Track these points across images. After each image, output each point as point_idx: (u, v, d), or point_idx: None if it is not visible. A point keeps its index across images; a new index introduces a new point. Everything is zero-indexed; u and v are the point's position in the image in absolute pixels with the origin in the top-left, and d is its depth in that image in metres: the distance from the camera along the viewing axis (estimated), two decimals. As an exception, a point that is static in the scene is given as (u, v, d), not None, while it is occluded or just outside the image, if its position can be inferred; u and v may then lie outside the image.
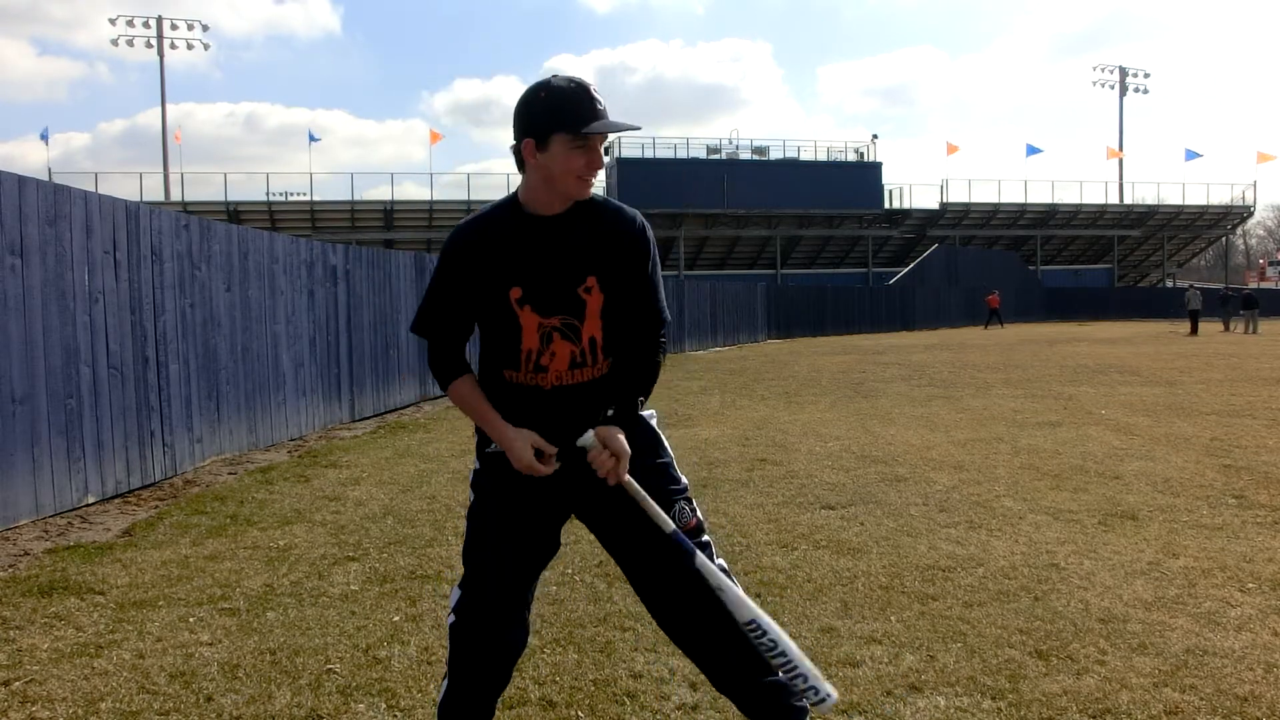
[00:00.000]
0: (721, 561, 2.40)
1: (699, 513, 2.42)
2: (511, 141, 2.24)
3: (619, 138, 45.53)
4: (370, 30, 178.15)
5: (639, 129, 2.32)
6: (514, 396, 2.31)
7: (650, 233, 2.35)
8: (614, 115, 2.22)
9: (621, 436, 2.23)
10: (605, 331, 2.30)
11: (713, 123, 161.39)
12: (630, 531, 2.34)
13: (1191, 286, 35.67)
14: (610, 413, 2.27)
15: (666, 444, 2.46)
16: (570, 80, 2.18)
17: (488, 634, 2.30)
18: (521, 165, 2.24)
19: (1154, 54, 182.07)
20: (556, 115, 2.15)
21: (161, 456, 6.84)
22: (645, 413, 2.40)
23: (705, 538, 2.40)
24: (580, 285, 2.26)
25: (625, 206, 2.33)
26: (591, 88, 2.17)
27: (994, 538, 4.91)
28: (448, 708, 2.36)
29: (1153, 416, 9.66)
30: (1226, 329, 33.48)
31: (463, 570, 2.36)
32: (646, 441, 2.37)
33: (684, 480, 2.43)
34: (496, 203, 2.32)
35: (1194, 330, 30.57)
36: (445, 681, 2.38)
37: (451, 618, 2.34)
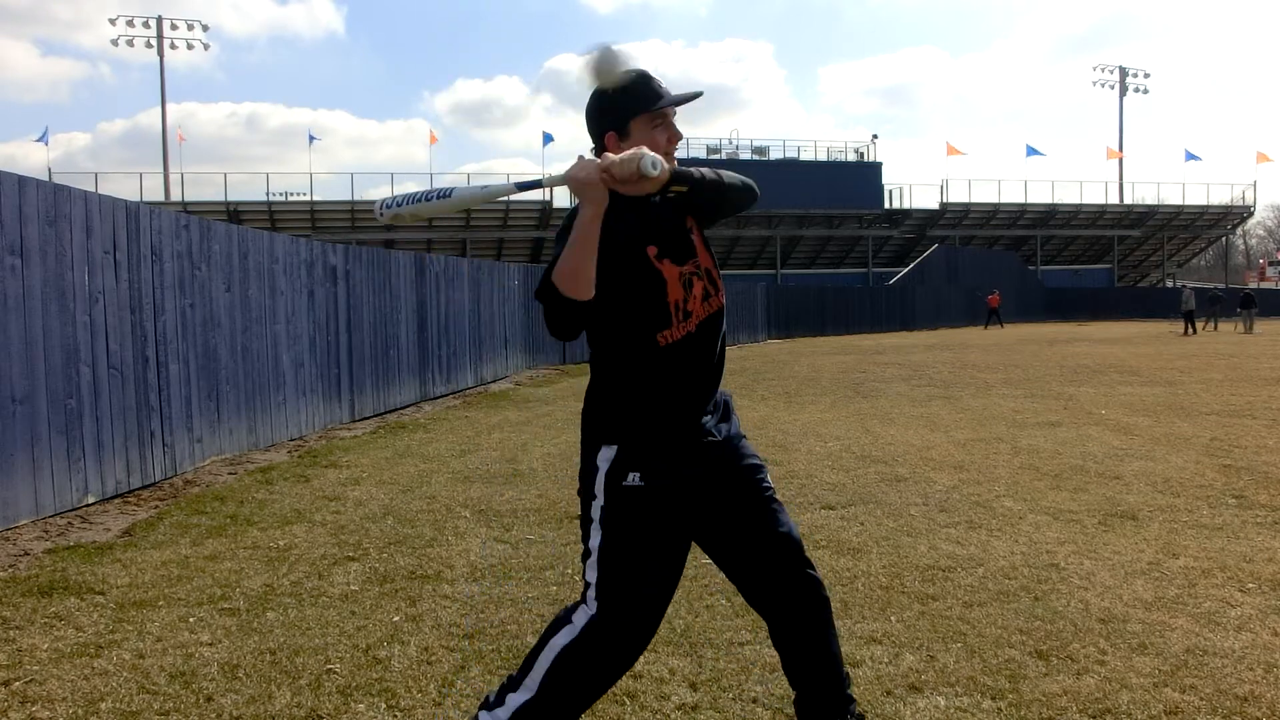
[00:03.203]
0: None
1: None
2: (591, 147, 2.37)
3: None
4: (373, 31, 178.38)
5: (701, 94, 2.41)
6: (668, 360, 2.30)
7: None
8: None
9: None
10: (713, 258, 2.41)
11: (714, 123, 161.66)
12: (750, 543, 2.37)
13: (1186, 286, 35.70)
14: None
15: None
16: (630, 71, 2.30)
17: (618, 669, 2.31)
18: None
19: (1154, 54, 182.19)
20: (629, 104, 2.29)
21: (161, 456, 6.84)
22: (726, 396, 2.49)
23: None
24: (685, 226, 2.38)
25: None
26: (650, 72, 2.34)
27: (994, 538, 4.91)
28: (530, 717, 2.29)
29: (1153, 416, 9.66)
30: (1214, 328, 33.52)
31: (595, 606, 2.27)
32: (735, 417, 2.48)
33: None
34: None
35: (1189, 330, 30.62)
36: (528, 685, 2.29)
37: (573, 638, 2.27)
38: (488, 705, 2.35)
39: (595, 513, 2.30)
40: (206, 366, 7.55)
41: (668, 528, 2.28)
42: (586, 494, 2.33)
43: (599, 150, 2.35)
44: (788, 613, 2.40)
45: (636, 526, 2.26)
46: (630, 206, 2.28)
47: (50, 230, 5.78)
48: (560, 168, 2.34)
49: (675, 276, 2.31)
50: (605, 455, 2.29)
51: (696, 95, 2.38)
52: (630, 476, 2.26)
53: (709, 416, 2.37)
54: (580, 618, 2.28)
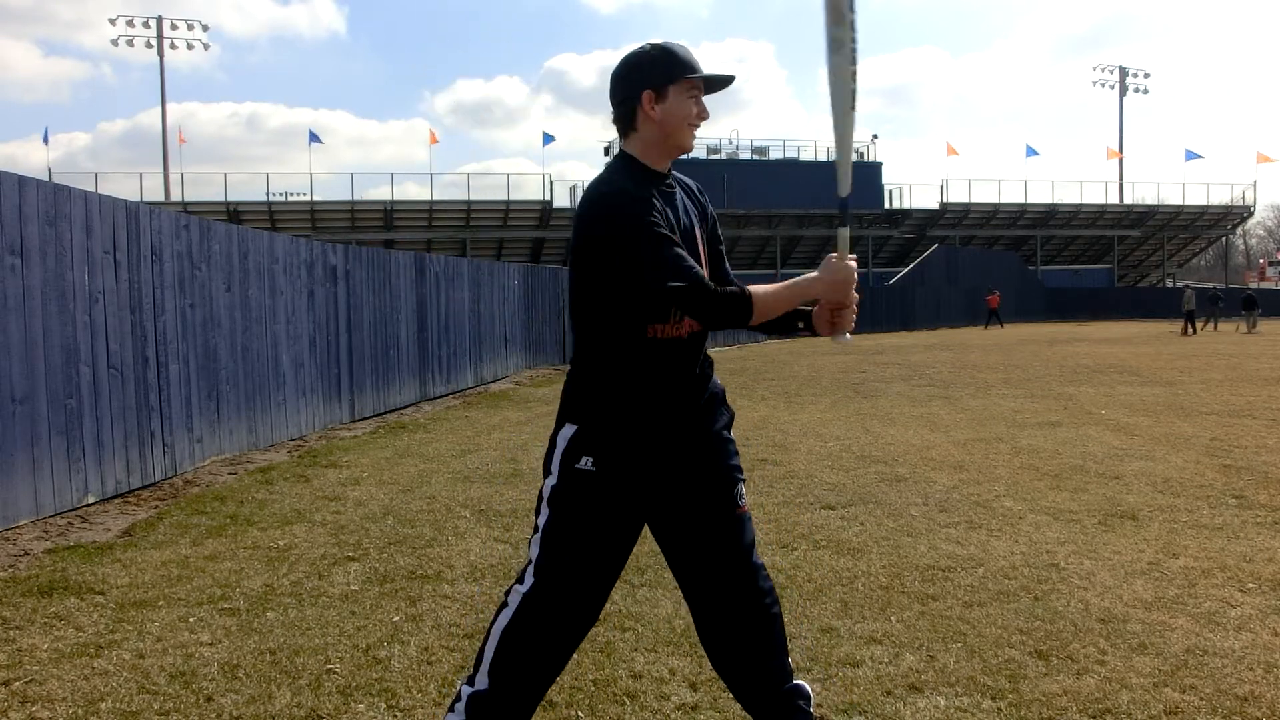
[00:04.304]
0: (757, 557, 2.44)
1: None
2: (612, 110, 2.37)
3: (618, 138, 45.40)
4: (375, 31, 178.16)
5: (735, 78, 2.43)
6: (656, 353, 2.31)
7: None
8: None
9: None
10: (711, 276, 2.40)
11: (715, 123, 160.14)
12: (702, 547, 2.37)
13: (1188, 287, 35.68)
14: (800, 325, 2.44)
15: None
16: (670, 43, 2.35)
17: (554, 649, 2.32)
18: (628, 126, 2.34)
19: (1154, 54, 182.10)
20: (672, 65, 2.31)
21: (161, 456, 6.84)
22: (719, 388, 2.49)
23: (752, 527, 2.46)
24: (694, 234, 2.40)
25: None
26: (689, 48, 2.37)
27: (994, 538, 4.91)
28: (483, 709, 2.32)
29: (1153, 416, 9.66)
30: (1214, 328, 33.48)
31: (530, 581, 2.31)
32: (727, 414, 2.47)
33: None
34: (616, 167, 2.37)
35: (1189, 330, 30.62)
36: (478, 681, 2.33)
37: (511, 621, 2.30)
38: (451, 705, 2.40)
39: (546, 490, 2.35)
40: (206, 366, 7.55)
41: (615, 514, 2.31)
42: (545, 471, 2.39)
43: (625, 109, 2.33)
44: (725, 625, 2.40)
45: (582, 510, 2.30)
46: (659, 200, 2.29)
47: (50, 230, 5.78)
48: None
49: None
50: (565, 434, 2.33)
51: (730, 79, 2.40)
52: (583, 460, 2.29)
53: (682, 414, 2.36)
54: (514, 597, 2.33)
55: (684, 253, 2.22)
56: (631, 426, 2.29)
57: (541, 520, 2.34)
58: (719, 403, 2.47)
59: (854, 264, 2.26)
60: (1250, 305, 32.75)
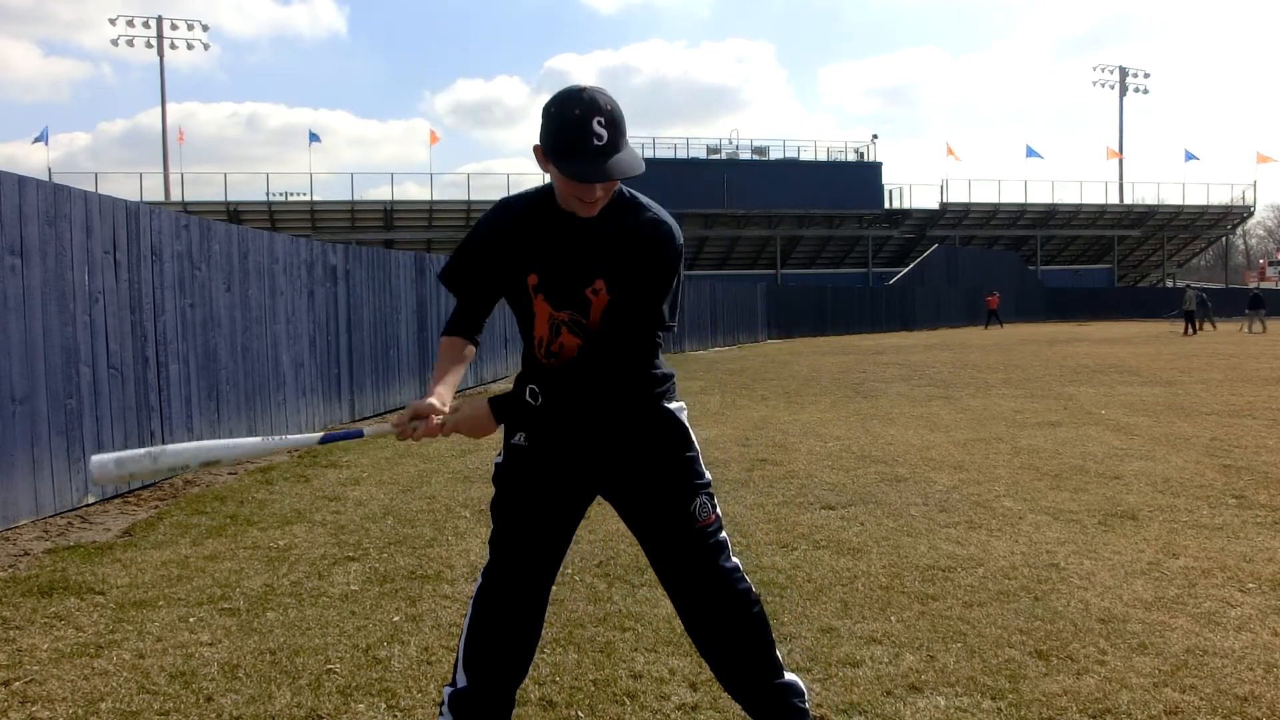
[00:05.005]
0: (736, 561, 2.44)
1: (718, 509, 2.45)
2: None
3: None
4: (375, 31, 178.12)
5: (634, 174, 2.13)
6: (539, 373, 2.33)
7: (676, 239, 2.30)
8: (631, 123, 2.19)
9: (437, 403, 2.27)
10: (606, 331, 2.30)
11: (716, 123, 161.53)
12: (654, 515, 2.40)
13: (1189, 287, 35.65)
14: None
15: (694, 439, 2.48)
16: (579, 108, 2.08)
17: (510, 624, 2.38)
18: None
19: (1154, 54, 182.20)
20: (553, 144, 2.12)
21: (161, 456, 6.83)
22: (675, 405, 2.44)
23: (722, 535, 2.43)
24: (589, 286, 2.29)
25: (660, 210, 2.32)
26: (595, 121, 2.07)
27: (994, 538, 4.91)
28: (462, 705, 2.38)
29: (1153, 416, 9.66)
30: (1201, 329, 33.33)
31: (487, 558, 2.44)
32: (677, 435, 2.43)
33: (708, 475, 2.46)
34: (541, 187, 2.36)
35: (1189, 330, 30.62)
36: (457, 680, 2.41)
37: (472, 605, 2.42)
38: (439, 707, 2.48)
39: (493, 469, 2.46)
40: (206, 366, 7.55)
41: (550, 486, 2.38)
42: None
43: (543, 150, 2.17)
44: (703, 631, 2.45)
45: (518, 482, 2.39)
46: (535, 232, 2.29)
47: (50, 230, 5.78)
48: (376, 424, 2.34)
49: (545, 315, 2.33)
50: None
51: (619, 176, 2.12)
52: (517, 436, 2.39)
53: (574, 420, 2.37)
54: (479, 580, 2.45)
55: (466, 270, 2.37)
56: (537, 416, 2.32)
57: (492, 498, 2.46)
58: (665, 424, 2.41)
59: (405, 427, 2.23)
60: (1257, 304, 32.54)
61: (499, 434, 2.41)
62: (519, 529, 2.39)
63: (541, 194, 2.34)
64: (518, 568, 2.39)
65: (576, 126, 2.08)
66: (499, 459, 2.45)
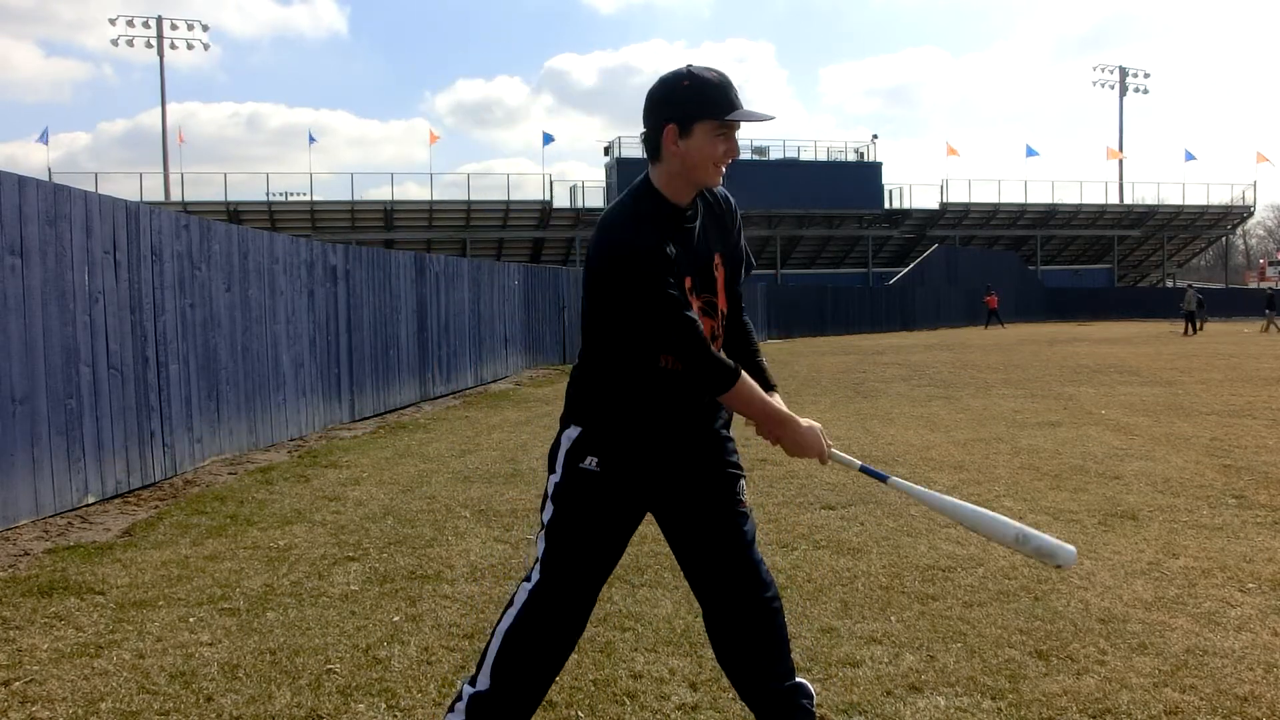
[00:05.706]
0: (757, 552, 2.45)
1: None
2: (642, 130, 2.28)
3: (620, 137, 45.46)
4: (375, 31, 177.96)
5: (774, 118, 2.33)
6: (665, 379, 2.31)
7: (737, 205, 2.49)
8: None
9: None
10: (729, 303, 2.42)
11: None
12: (706, 542, 2.39)
13: (1190, 287, 35.63)
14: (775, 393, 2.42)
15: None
16: (710, 69, 2.24)
17: (555, 643, 2.35)
18: (654, 153, 2.27)
19: (1154, 54, 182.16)
20: (702, 102, 2.20)
21: (161, 456, 6.84)
22: None
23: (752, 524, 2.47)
24: (713, 264, 2.37)
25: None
26: (730, 77, 2.25)
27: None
28: (483, 708, 2.34)
29: (1153, 416, 9.66)
30: (1198, 329, 33.22)
31: (538, 576, 2.35)
32: (726, 412, 2.47)
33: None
34: (636, 195, 2.29)
35: (1189, 330, 30.63)
36: (479, 682, 2.36)
37: (516, 616, 2.34)
38: (451, 705, 2.41)
39: (550, 487, 2.38)
40: (206, 366, 7.55)
41: (617, 512, 2.35)
42: (549, 468, 2.40)
43: (651, 136, 2.24)
44: (728, 619, 2.43)
45: (586, 508, 2.33)
46: (675, 239, 2.25)
47: (50, 230, 5.78)
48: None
49: (696, 309, 2.29)
50: (569, 434, 2.35)
51: (770, 117, 2.29)
52: (588, 460, 2.32)
53: (685, 429, 2.38)
54: (521, 594, 2.36)
55: (691, 314, 2.19)
56: (635, 436, 2.32)
57: (546, 516, 2.38)
58: (719, 403, 2.47)
59: (827, 449, 2.37)
60: (1273, 304, 32.41)
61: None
62: (582, 557, 2.34)
63: (649, 201, 2.27)
64: (574, 593, 2.34)
65: (721, 81, 2.23)
66: (557, 479, 2.35)
